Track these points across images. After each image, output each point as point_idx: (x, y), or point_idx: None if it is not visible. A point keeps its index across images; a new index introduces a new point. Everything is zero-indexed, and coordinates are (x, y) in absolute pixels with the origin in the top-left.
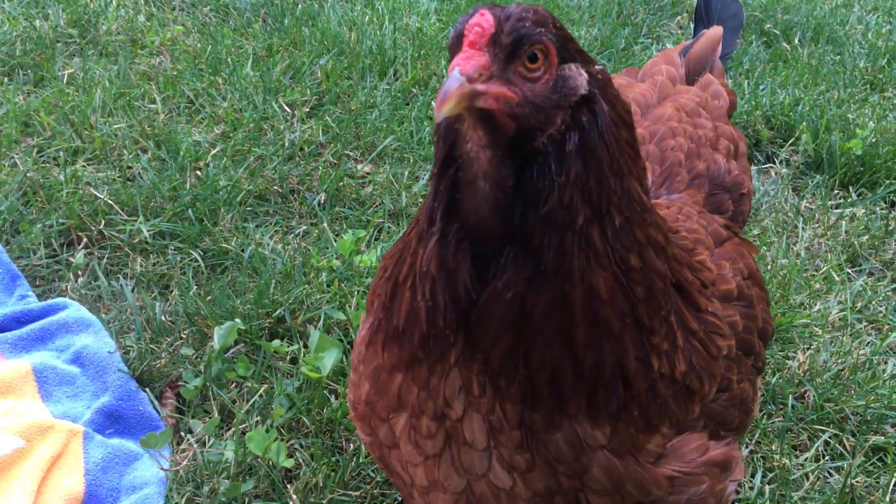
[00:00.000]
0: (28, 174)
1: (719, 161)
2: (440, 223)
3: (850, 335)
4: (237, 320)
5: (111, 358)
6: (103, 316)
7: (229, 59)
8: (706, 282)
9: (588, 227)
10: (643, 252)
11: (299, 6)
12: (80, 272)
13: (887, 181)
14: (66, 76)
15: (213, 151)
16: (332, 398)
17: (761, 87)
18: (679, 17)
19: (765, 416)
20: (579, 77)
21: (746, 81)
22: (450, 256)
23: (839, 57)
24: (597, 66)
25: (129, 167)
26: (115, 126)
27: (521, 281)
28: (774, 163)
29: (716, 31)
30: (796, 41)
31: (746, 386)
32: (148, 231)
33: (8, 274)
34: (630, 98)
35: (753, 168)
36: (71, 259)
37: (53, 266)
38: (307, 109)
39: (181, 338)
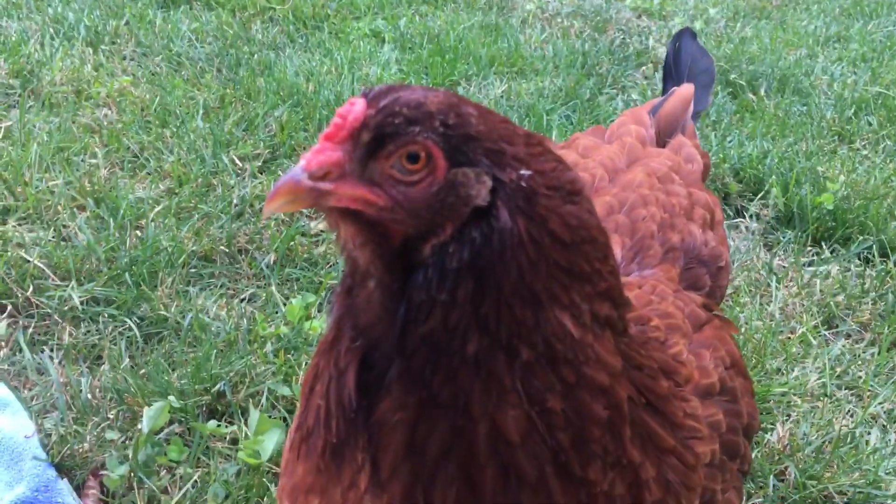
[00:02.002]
0: None
1: (695, 232)
2: (335, 314)
3: (831, 404)
4: (171, 398)
5: (28, 443)
6: (25, 393)
7: (179, 111)
8: (681, 381)
9: (487, 357)
10: (570, 394)
11: (255, 56)
12: (2, 344)
13: (860, 237)
14: (1, 129)
15: (157, 209)
16: (273, 486)
17: (728, 140)
18: (644, 68)
19: (745, 498)
20: (477, 185)
21: (713, 133)
22: (342, 355)
23: (806, 108)
24: (524, 172)
25: (65, 226)
26: (52, 182)
27: (410, 405)
28: (744, 217)
29: (687, 88)
30: (762, 92)
31: (732, 496)
32: (80, 297)
33: None
34: (597, 161)
35: (725, 223)
36: None
37: None
38: (259, 163)
39: (108, 418)
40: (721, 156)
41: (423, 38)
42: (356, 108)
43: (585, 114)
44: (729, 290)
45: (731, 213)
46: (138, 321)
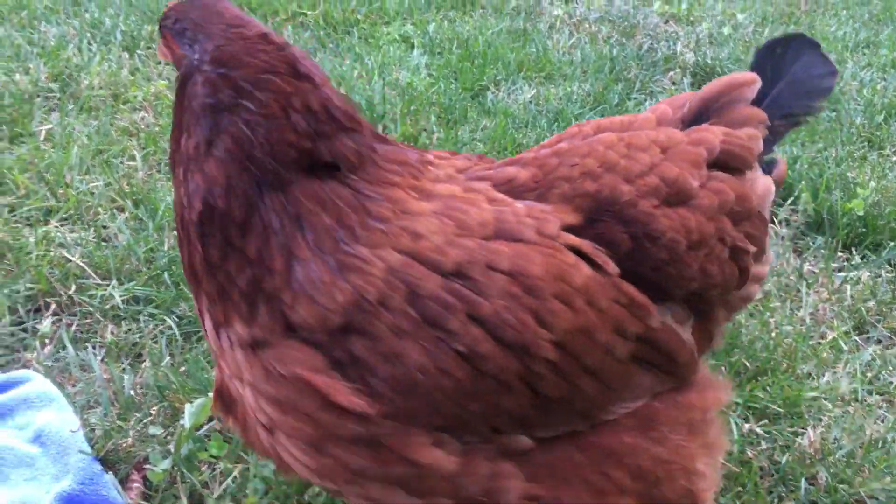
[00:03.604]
0: None
1: (622, 189)
2: None
3: (862, 409)
4: (211, 395)
5: (74, 437)
6: (69, 389)
7: None
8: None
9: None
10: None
11: None
12: (46, 341)
13: (891, 243)
14: (43, 132)
15: None
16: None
17: None
18: (672, 73)
19: (776, 499)
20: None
21: None
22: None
23: (835, 114)
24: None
25: (105, 227)
26: (92, 184)
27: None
28: (774, 223)
29: (742, 74)
30: None
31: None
32: (120, 296)
33: None
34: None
35: None
36: (38, 327)
37: (19, 334)
38: None
39: (150, 414)
40: None
41: (452, 44)
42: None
43: None
44: (759, 295)
45: None
46: (177, 319)
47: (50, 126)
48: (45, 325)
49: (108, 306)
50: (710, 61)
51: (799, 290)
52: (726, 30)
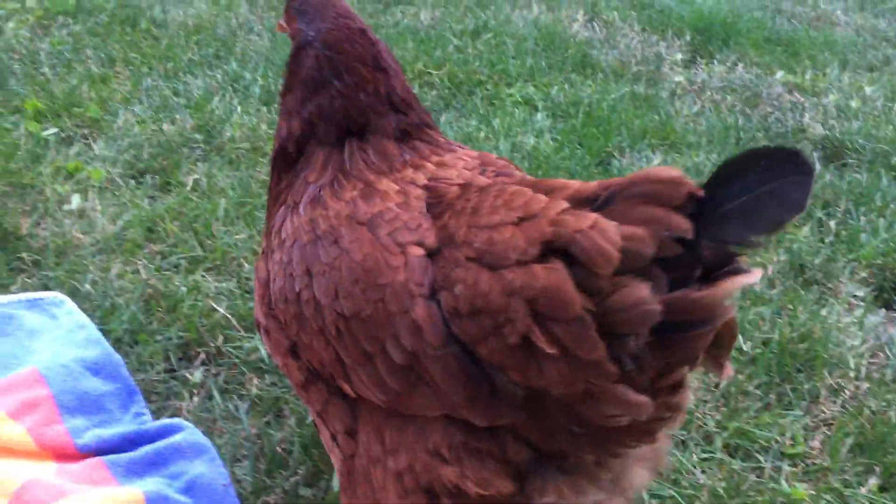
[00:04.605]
0: (150, 282)
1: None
2: None
3: None
4: None
5: (226, 491)
6: (216, 440)
7: None
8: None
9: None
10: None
11: None
12: (196, 391)
13: None
14: (190, 182)
15: None
16: None
17: None
18: (799, 146)
19: None
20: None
21: (881, 220)
22: None
23: None
24: (322, 26)
25: (248, 279)
26: (236, 236)
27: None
28: None
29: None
30: None
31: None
32: (266, 350)
33: (126, 389)
34: None
35: (892, 314)
36: (188, 375)
37: (170, 382)
38: None
39: (297, 473)
40: (891, 245)
41: (576, 108)
42: None
43: None
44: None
45: None
46: None
47: (196, 176)
48: (197, 374)
49: (252, 358)
50: (839, 135)
51: None
52: (854, 103)
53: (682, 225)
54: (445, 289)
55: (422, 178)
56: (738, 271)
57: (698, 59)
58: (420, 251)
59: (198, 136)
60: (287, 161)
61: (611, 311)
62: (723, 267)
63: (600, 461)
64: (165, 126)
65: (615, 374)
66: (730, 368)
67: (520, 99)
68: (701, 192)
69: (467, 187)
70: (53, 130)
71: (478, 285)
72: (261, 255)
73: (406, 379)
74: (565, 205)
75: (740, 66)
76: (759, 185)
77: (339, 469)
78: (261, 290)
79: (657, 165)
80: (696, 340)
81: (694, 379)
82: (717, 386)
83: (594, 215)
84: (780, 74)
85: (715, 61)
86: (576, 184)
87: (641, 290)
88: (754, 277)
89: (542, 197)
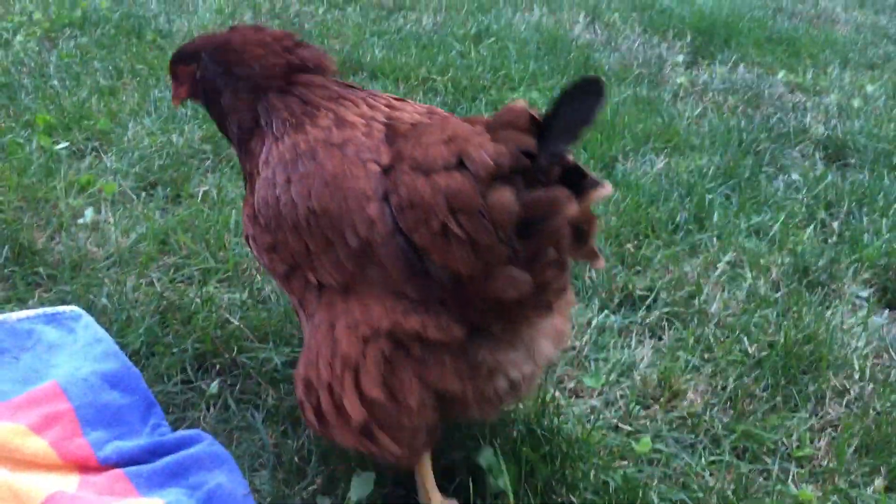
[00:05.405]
0: (164, 294)
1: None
2: None
3: None
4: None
5: (245, 501)
6: (234, 450)
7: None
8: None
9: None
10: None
11: None
12: (212, 402)
13: None
14: (200, 193)
15: None
16: None
17: None
18: (801, 146)
19: None
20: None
21: (884, 220)
22: None
23: None
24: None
25: (259, 289)
26: (247, 248)
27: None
28: None
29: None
30: None
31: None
32: (280, 359)
33: (144, 401)
34: None
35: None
36: (204, 387)
37: (188, 393)
38: None
39: (314, 482)
40: (894, 245)
41: None
42: None
43: (747, 194)
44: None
45: None
46: None
47: (206, 188)
48: (213, 386)
49: (264, 369)
50: (840, 135)
51: None
52: (856, 102)
53: (527, 142)
54: (394, 192)
55: (381, 117)
56: (594, 184)
57: (700, 59)
58: (377, 167)
59: (206, 147)
60: (246, 140)
61: (491, 208)
62: (583, 179)
63: (512, 330)
64: (174, 138)
65: (503, 256)
66: (601, 259)
67: None
68: (539, 118)
69: (416, 124)
70: (65, 144)
71: (415, 185)
72: (245, 200)
73: (359, 262)
74: (480, 129)
75: (742, 66)
76: (568, 110)
77: (306, 338)
78: (248, 211)
79: (659, 167)
80: (553, 229)
81: (701, 382)
82: (724, 388)
83: (485, 137)
84: (781, 74)
85: (716, 62)
86: (487, 118)
87: (505, 192)
88: (605, 190)
89: (467, 125)
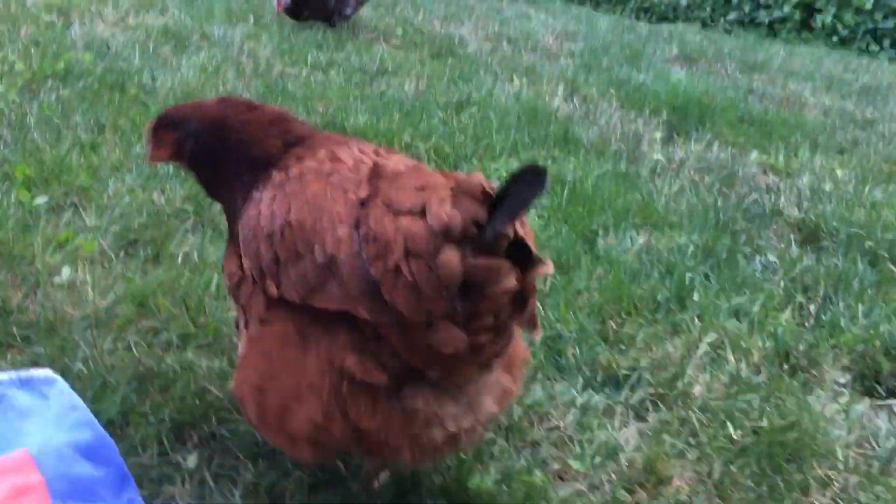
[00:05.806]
0: (142, 360)
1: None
2: None
3: None
4: None
5: None
6: None
7: None
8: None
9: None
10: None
11: None
12: (190, 476)
13: None
14: (181, 254)
15: None
16: None
17: (875, 313)
18: (776, 227)
19: None
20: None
21: (859, 305)
22: None
23: None
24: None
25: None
26: (228, 312)
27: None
28: None
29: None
30: None
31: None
32: (259, 434)
33: (118, 474)
34: None
35: (876, 402)
36: (181, 460)
37: (164, 467)
38: None
39: None
40: (871, 332)
41: (560, 186)
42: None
43: (726, 274)
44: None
45: (883, 393)
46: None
47: (187, 249)
48: (191, 459)
49: (244, 442)
50: (814, 217)
51: None
52: (827, 186)
53: (479, 213)
54: (364, 222)
55: (369, 161)
56: (537, 261)
57: (675, 136)
58: (355, 198)
59: (188, 207)
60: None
61: (438, 264)
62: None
63: (452, 382)
64: (156, 196)
65: (444, 310)
66: (539, 330)
67: (505, 174)
68: (492, 192)
69: (399, 171)
70: (44, 199)
71: (381, 221)
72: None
73: (322, 275)
74: (451, 185)
75: (716, 144)
76: (513, 193)
77: (242, 349)
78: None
79: (640, 242)
80: (492, 296)
81: (687, 468)
82: (709, 475)
83: (448, 198)
84: (754, 154)
85: (692, 140)
86: (461, 175)
87: (452, 253)
88: (547, 268)
89: (441, 179)
